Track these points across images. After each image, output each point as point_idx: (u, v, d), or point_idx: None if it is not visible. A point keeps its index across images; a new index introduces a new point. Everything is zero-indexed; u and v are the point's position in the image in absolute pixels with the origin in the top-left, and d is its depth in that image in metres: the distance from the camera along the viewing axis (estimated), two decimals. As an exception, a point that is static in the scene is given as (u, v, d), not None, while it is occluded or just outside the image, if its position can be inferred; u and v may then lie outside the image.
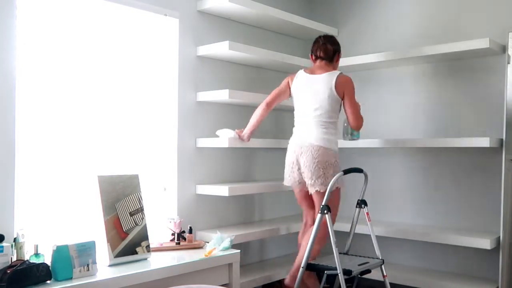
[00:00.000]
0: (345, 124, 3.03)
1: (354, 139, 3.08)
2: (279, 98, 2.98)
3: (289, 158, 2.87)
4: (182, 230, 2.74)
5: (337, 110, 2.84)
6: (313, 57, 2.94)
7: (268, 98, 2.97)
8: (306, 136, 2.80)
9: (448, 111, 3.20)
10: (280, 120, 3.63)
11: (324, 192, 2.67)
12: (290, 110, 3.55)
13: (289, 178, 2.89)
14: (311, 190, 2.79)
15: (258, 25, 3.39)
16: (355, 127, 2.89)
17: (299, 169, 2.81)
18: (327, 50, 2.88)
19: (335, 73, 2.82)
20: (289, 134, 3.47)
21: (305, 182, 2.82)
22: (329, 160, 2.74)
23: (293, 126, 2.95)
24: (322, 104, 2.78)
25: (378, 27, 3.49)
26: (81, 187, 2.48)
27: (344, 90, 2.80)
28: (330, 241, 2.56)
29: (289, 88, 2.94)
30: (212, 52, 2.97)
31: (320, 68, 2.88)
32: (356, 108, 2.85)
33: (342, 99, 2.82)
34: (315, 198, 2.82)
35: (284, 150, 3.64)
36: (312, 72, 2.89)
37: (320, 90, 2.80)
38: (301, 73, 2.92)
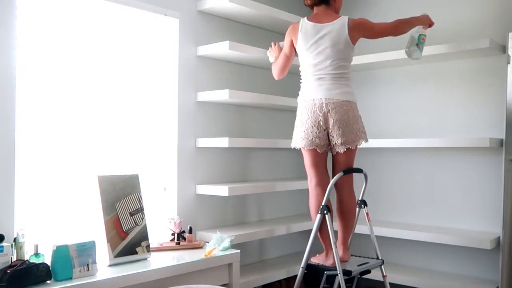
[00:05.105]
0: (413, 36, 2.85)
1: (416, 58, 2.89)
2: (289, 65, 2.81)
3: (313, 118, 2.58)
4: (182, 230, 2.74)
5: (351, 58, 2.66)
6: (309, 2, 2.71)
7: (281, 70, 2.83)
8: (329, 92, 2.57)
9: (448, 111, 3.20)
10: (279, 120, 3.63)
11: (354, 150, 2.62)
12: (289, 110, 3.56)
13: (313, 140, 2.59)
14: (341, 150, 2.59)
15: (258, 25, 3.39)
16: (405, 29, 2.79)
17: (325, 129, 2.58)
18: None
19: (344, 18, 2.61)
20: (288, 134, 3.48)
21: (328, 143, 2.64)
22: (355, 114, 2.60)
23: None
24: (338, 56, 2.58)
25: (378, 27, 3.50)
26: (81, 187, 2.48)
27: (361, 34, 2.64)
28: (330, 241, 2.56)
29: (294, 48, 2.72)
30: (212, 52, 2.97)
31: (325, 15, 2.65)
32: (384, 26, 2.70)
33: (354, 43, 2.63)
34: (344, 157, 2.63)
35: (283, 150, 3.66)
36: (318, 20, 2.65)
37: (334, 40, 2.58)
38: (305, 23, 2.66)
